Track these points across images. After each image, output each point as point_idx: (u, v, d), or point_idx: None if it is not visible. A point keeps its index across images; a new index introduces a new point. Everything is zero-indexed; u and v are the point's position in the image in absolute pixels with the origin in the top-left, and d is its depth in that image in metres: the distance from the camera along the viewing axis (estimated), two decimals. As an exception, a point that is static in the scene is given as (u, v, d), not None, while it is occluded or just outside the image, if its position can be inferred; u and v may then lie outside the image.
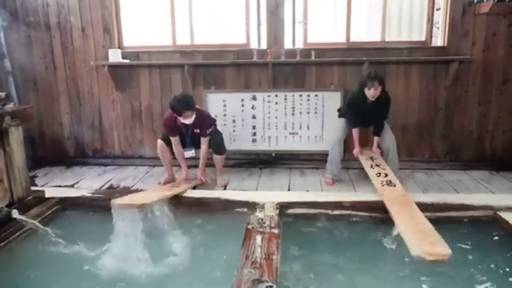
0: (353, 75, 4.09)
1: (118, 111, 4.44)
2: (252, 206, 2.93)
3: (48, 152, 4.62)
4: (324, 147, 4.06)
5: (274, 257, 2.15)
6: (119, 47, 4.29)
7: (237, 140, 4.32)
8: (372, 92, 3.31)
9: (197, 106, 3.48)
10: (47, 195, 3.15)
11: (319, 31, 4.23)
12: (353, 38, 4.18)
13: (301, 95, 4.16)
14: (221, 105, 4.26)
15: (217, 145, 3.68)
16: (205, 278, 2.29)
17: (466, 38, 3.94)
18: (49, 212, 3.00)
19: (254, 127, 4.29)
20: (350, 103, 3.56)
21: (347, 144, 3.86)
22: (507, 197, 3.09)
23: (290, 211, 2.96)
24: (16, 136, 2.85)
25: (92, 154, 4.59)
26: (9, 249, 2.52)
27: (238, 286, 1.88)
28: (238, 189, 3.58)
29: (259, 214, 2.75)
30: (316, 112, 4.19)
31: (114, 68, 4.23)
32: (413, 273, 2.26)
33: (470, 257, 2.41)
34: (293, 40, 4.17)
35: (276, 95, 4.19)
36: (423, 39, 4.15)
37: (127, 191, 3.51)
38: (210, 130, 3.60)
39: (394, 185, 3.11)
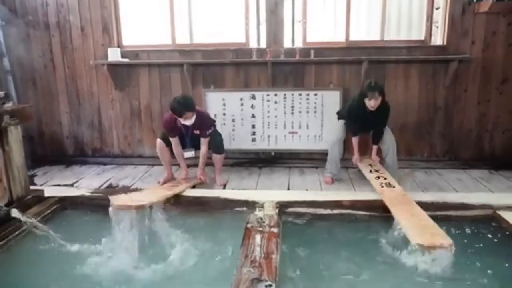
0: (352, 74, 4.09)
1: (118, 110, 4.44)
2: (251, 205, 2.94)
3: (47, 151, 4.62)
4: (324, 146, 4.06)
5: (274, 256, 2.15)
6: (118, 46, 4.29)
7: (237, 139, 4.32)
8: (373, 103, 3.32)
9: (197, 107, 3.49)
10: (46, 194, 3.15)
11: (319, 30, 4.22)
12: (352, 37, 4.18)
13: (300, 94, 4.16)
14: (220, 104, 4.25)
15: (216, 145, 3.69)
16: (204, 278, 2.28)
17: (466, 37, 3.94)
18: (48, 211, 3.00)
19: (253, 126, 4.29)
20: (350, 112, 3.57)
21: (346, 143, 3.86)
22: (506, 196, 3.10)
23: (289, 210, 2.97)
24: (15, 135, 2.85)
25: (91, 153, 4.59)
26: (8, 248, 2.52)
27: (237, 285, 1.88)
28: (237, 188, 3.57)
29: (258, 213, 2.76)
30: (315, 111, 4.18)
31: (114, 67, 4.23)
32: (413, 272, 2.26)
33: (469, 256, 2.41)
34: (292, 39, 4.17)
35: (276, 94, 4.18)
36: (423, 38, 4.15)
37: (126, 190, 3.51)
38: (210, 131, 3.61)
39: (393, 187, 3.13)
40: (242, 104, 4.24)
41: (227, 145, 3.92)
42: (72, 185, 3.79)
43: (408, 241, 2.34)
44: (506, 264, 2.35)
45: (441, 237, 2.25)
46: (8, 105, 2.81)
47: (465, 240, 2.57)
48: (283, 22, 4.10)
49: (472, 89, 4.05)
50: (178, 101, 3.33)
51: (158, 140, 3.68)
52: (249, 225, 2.56)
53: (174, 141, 3.60)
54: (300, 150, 4.30)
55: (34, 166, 4.33)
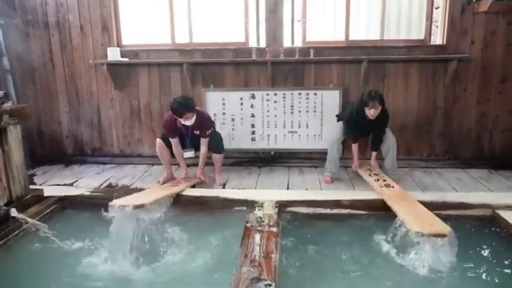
0: (352, 73, 4.09)
1: (117, 109, 4.44)
2: (251, 204, 2.93)
3: (47, 151, 4.62)
4: (323, 146, 4.06)
5: (273, 255, 2.15)
6: (118, 46, 4.28)
7: (236, 138, 4.32)
8: (373, 112, 3.33)
9: (197, 108, 3.49)
10: (45, 193, 3.15)
11: (318, 29, 4.22)
12: (352, 37, 4.18)
13: (300, 94, 4.16)
14: (220, 103, 4.25)
15: (216, 145, 3.69)
16: (204, 277, 2.28)
17: (465, 36, 3.94)
18: (48, 210, 3.00)
19: (253, 126, 4.29)
20: (349, 120, 3.58)
21: (346, 143, 3.86)
22: (505, 196, 3.10)
23: (289, 209, 2.97)
24: (14, 135, 2.85)
25: (91, 152, 4.59)
26: (8, 248, 2.52)
27: (237, 284, 1.88)
28: (237, 188, 3.57)
29: (258, 213, 2.76)
30: (315, 111, 4.18)
31: (113, 66, 4.22)
32: (412, 272, 2.27)
33: (468, 255, 2.41)
34: (292, 38, 4.16)
35: (275, 94, 4.18)
36: (422, 37, 4.15)
37: (126, 189, 3.51)
38: (210, 131, 3.61)
39: (393, 187, 3.16)
40: (241, 104, 4.24)
41: (226, 144, 3.92)
42: (71, 184, 3.79)
43: (407, 241, 2.35)
44: (505, 263, 2.35)
45: (440, 226, 2.30)
46: (8, 105, 2.81)
47: (464, 240, 2.57)
48: (283, 21, 4.10)
49: (471, 89, 4.05)
50: (178, 101, 3.34)
51: (158, 140, 3.68)
52: (248, 225, 2.56)
53: (174, 141, 3.60)
54: (299, 149, 4.30)
55: (33, 166, 4.33)
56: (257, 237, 2.38)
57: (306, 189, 3.53)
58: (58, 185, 3.75)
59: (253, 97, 4.21)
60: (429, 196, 3.03)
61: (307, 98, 4.16)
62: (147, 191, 3.15)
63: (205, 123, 3.57)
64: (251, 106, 4.23)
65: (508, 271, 2.30)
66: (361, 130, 3.63)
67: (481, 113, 4.10)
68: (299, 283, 2.21)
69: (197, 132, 3.59)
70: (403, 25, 4.20)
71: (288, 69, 4.16)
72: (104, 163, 4.45)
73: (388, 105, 3.65)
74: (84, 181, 3.89)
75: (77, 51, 4.31)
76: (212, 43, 4.27)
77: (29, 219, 2.64)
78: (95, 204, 3.06)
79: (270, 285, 1.86)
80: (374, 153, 3.73)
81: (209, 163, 3.79)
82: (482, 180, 3.73)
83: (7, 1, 4.21)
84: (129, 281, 2.23)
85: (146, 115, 4.42)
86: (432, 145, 4.23)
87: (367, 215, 2.93)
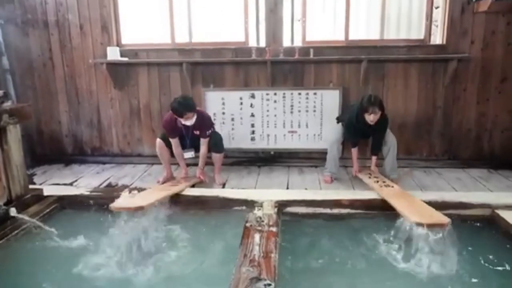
0: (352, 73, 4.08)
1: (117, 109, 4.43)
2: (250, 204, 2.94)
3: (47, 150, 4.61)
4: (323, 146, 4.06)
5: (273, 255, 2.16)
6: (117, 45, 4.27)
7: (236, 138, 4.32)
8: (372, 117, 3.33)
9: (197, 108, 3.49)
10: (45, 193, 3.16)
11: (318, 29, 4.22)
12: (351, 36, 4.18)
13: (299, 93, 4.16)
14: (220, 103, 4.25)
15: (216, 144, 3.69)
16: (203, 277, 2.28)
17: (465, 36, 3.93)
18: (47, 210, 3.00)
19: (253, 126, 4.29)
20: (349, 126, 3.58)
21: (345, 143, 3.85)
22: (505, 195, 3.11)
23: (288, 209, 2.97)
24: (14, 134, 2.85)
25: (90, 152, 4.59)
26: (7, 247, 2.52)
27: (236, 284, 1.88)
28: (236, 187, 3.57)
29: (257, 212, 2.76)
30: (315, 111, 4.18)
31: (113, 66, 4.22)
32: (411, 272, 2.27)
33: (467, 255, 2.41)
34: (291, 38, 4.16)
35: (275, 93, 4.18)
36: (422, 37, 4.15)
37: (125, 189, 3.51)
38: (210, 131, 3.61)
39: (392, 187, 3.17)
40: (241, 103, 4.23)
41: (226, 144, 3.92)
42: (71, 184, 3.78)
43: (407, 240, 2.36)
44: (505, 263, 2.35)
45: (439, 217, 2.37)
46: (7, 104, 2.81)
47: (464, 239, 2.57)
48: (283, 21, 4.09)
49: (471, 89, 4.05)
50: (178, 101, 3.34)
51: (158, 140, 3.67)
52: (248, 224, 2.56)
53: (174, 142, 3.60)
54: (299, 149, 4.30)
55: (33, 165, 4.33)
56: (257, 236, 2.38)
57: (306, 189, 3.53)
58: (57, 184, 3.75)
59: (253, 96, 4.21)
60: (429, 196, 3.03)
61: (307, 98, 4.16)
62: (147, 191, 3.15)
63: (205, 123, 3.57)
64: (251, 105, 4.23)
65: (507, 270, 2.30)
66: (361, 135, 3.64)
67: (480, 113, 4.10)
68: (299, 283, 2.21)
69: (197, 132, 3.59)
70: (403, 25, 4.20)
71: (288, 69, 4.16)
72: (103, 163, 4.45)
73: (387, 105, 3.66)
74: (84, 180, 3.89)
75: (76, 50, 4.31)
76: (212, 43, 4.27)
77: (28, 219, 2.64)
78: (94, 203, 3.08)
79: (269, 284, 1.86)
80: (374, 158, 3.73)
81: (208, 162, 3.78)
82: (482, 180, 3.73)
83: (7, 0, 4.20)
84: (129, 281, 2.23)
85: (146, 114, 4.42)
86: (431, 145, 4.23)
87: (367, 215, 2.94)
